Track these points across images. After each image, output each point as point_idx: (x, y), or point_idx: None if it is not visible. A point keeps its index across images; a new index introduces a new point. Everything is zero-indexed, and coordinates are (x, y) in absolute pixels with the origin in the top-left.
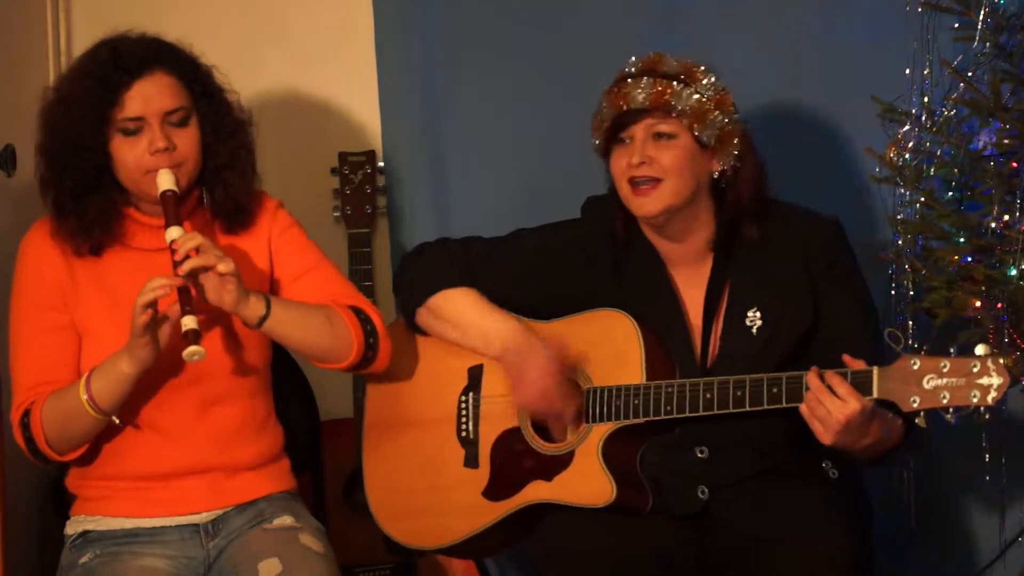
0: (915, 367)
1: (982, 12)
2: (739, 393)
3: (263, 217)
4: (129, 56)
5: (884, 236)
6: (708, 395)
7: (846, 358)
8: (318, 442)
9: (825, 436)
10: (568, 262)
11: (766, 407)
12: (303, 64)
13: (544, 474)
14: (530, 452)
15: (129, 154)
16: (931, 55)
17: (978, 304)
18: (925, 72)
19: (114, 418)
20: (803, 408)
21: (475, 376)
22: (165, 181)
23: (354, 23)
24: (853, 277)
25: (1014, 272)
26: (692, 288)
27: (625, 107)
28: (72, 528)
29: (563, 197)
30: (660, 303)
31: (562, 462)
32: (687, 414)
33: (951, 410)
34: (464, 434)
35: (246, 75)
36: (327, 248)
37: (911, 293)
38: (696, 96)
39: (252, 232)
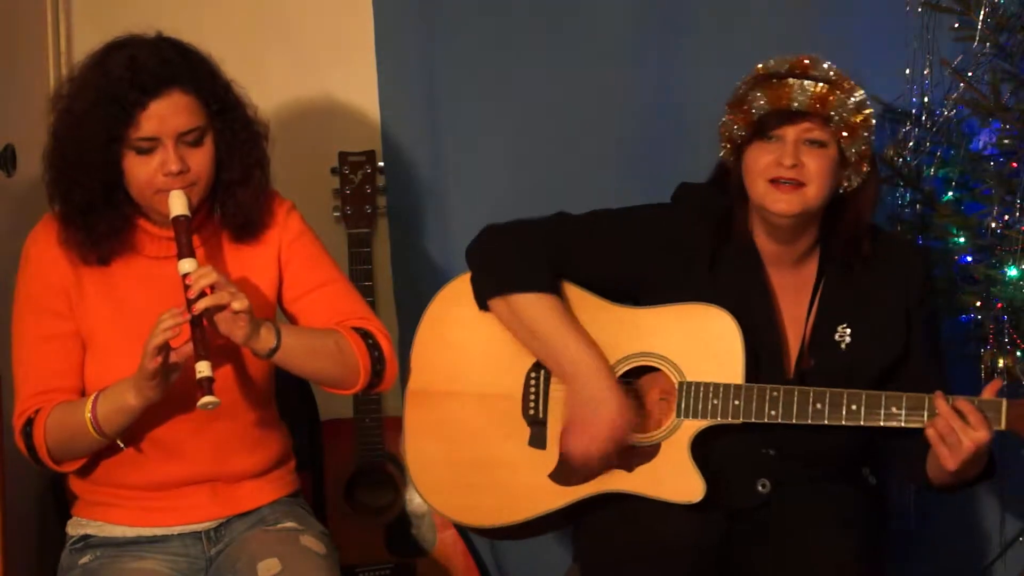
0: None
1: (982, 12)
2: (853, 407)
3: (274, 225)
4: (146, 73)
5: None
6: (819, 405)
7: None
8: (318, 442)
9: (950, 462)
10: (663, 247)
11: (882, 425)
12: (303, 64)
13: (623, 464)
14: None
15: (141, 172)
16: (931, 55)
17: (978, 304)
18: (925, 72)
19: (119, 442)
20: (931, 432)
21: None
22: (177, 206)
23: (354, 23)
24: (938, 315)
25: (1014, 272)
26: (788, 293)
27: (786, 105)
28: (73, 529)
29: (563, 197)
30: (756, 306)
31: (646, 454)
32: (792, 421)
33: None
34: (532, 413)
35: (246, 75)
36: (327, 248)
37: None
38: (852, 110)
39: (261, 241)
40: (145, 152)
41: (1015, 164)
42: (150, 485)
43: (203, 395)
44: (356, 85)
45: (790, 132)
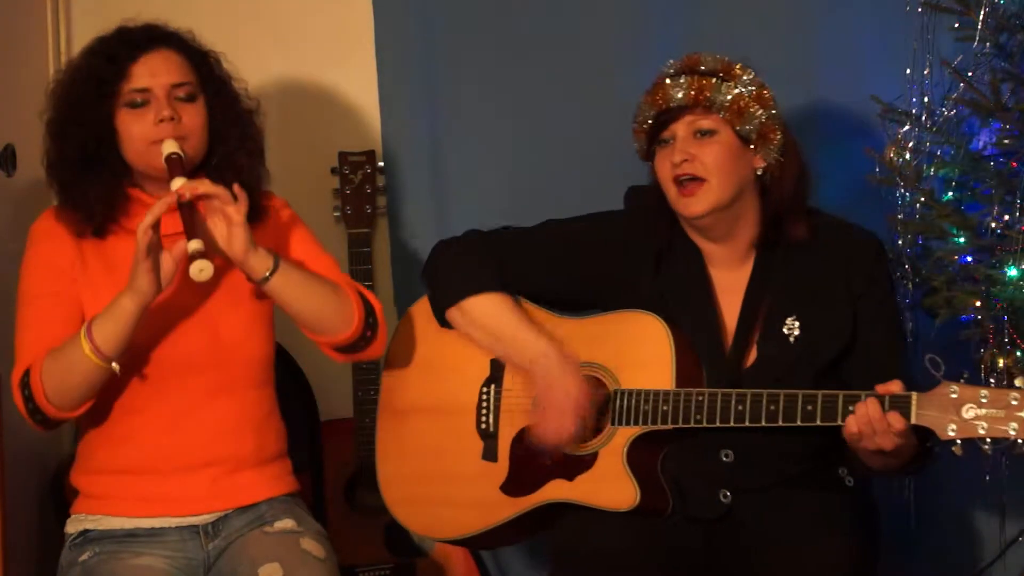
0: (954, 396)
1: (982, 12)
2: (772, 407)
3: (269, 213)
4: (137, 32)
5: (884, 236)
6: (740, 407)
7: (879, 386)
8: (318, 442)
9: (871, 459)
10: (608, 253)
11: (800, 424)
12: (303, 64)
13: (565, 473)
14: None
15: (135, 126)
16: (931, 55)
17: (978, 304)
18: (925, 72)
19: (115, 366)
20: (848, 432)
21: (498, 368)
22: (170, 146)
23: (354, 23)
24: (890, 301)
25: (1014, 272)
26: (731, 291)
27: (664, 105)
28: (72, 527)
29: (563, 197)
30: (697, 304)
31: (585, 463)
32: (717, 424)
33: (988, 441)
34: (484, 426)
35: (246, 75)
36: (327, 248)
37: (911, 293)
38: (736, 91)
39: (256, 229)
40: (138, 106)
41: (1015, 164)
42: (150, 468)
43: (194, 261)
44: (356, 85)
45: (678, 128)
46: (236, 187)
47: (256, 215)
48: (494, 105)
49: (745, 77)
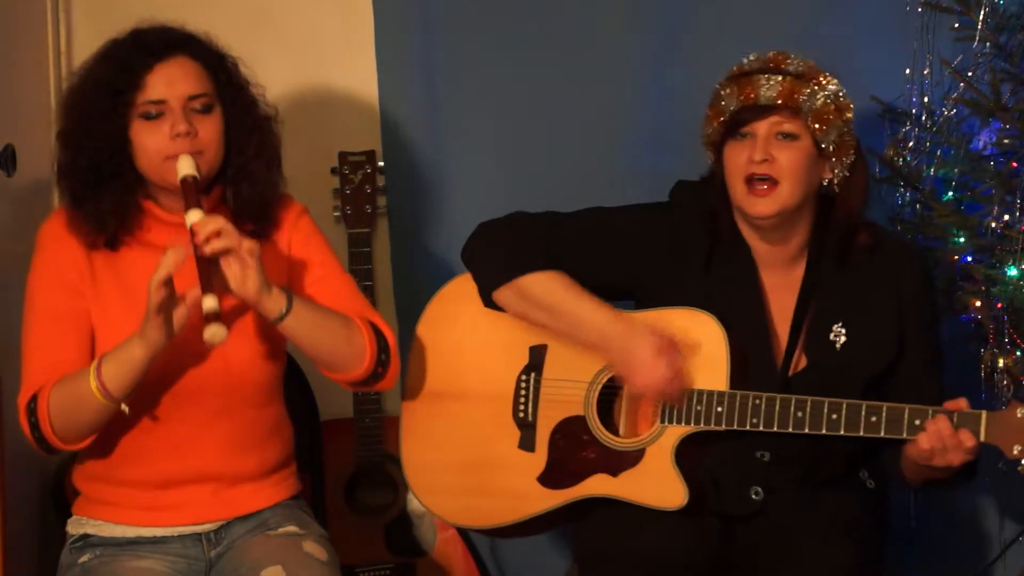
0: (1022, 415)
1: (982, 12)
2: (834, 416)
3: (285, 224)
4: (153, 40)
5: None
6: (800, 414)
7: (948, 403)
8: (318, 442)
9: (920, 472)
10: (658, 246)
11: (862, 435)
12: (303, 64)
13: (609, 468)
14: (595, 444)
15: (150, 139)
16: (931, 55)
17: (978, 304)
18: (925, 72)
19: (124, 407)
20: (919, 449)
21: (537, 356)
22: (185, 166)
23: (354, 23)
24: (936, 317)
25: (1014, 272)
26: (781, 293)
27: (753, 101)
28: (74, 528)
29: (563, 197)
30: (747, 307)
31: (630, 459)
32: (774, 429)
33: None
34: (522, 415)
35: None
36: None
37: None
38: (823, 99)
39: (272, 239)
40: (153, 118)
41: (1015, 164)
42: (153, 483)
43: (208, 326)
44: (356, 85)
45: (760, 127)
46: (247, 243)
47: (271, 228)
48: (494, 105)
49: (831, 86)
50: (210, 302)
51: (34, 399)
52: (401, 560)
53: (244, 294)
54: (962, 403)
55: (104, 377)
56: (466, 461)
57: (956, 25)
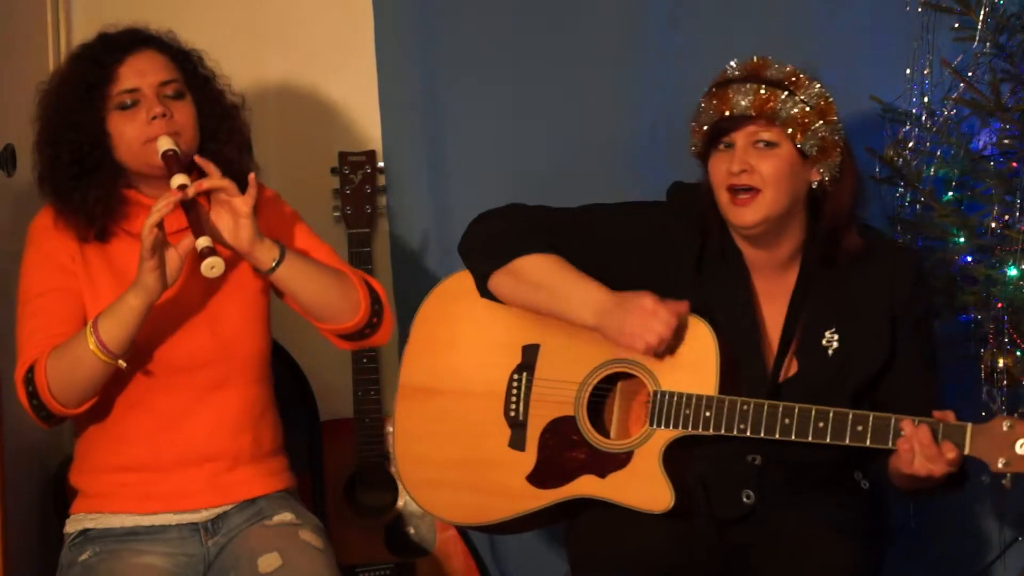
0: (1007, 428)
1: (982, 12)
2: (820, 424)
3: (262, 207)
4: (119, 36)
5: None
6: (787, 420)
7: (936, 413)
8: (318, 442)
9: (904, 481)
10: (651, 245)
11: (848, 444)
12: (303, 64)
13: (597, 469)
14: (584, 445)
15: (128, 127)
16: (931, 55)
17: (978, 304)
18: (925, 72)
19: (120, 362)
20: (900, 459)
21: (530, 355)
22: (164, 143)
23: (354, 23)
24: (929, 321)
25: (1014, 272)
26: (773, 299)
27: (728, 112)
28: (72, 526)
29: (563, 197)
30: (737, 310)
31: (618, 461)
32: (761, 435)
33: None
34: (513, 414)
35: (246, 75)
36: None
37: None
38: (800, 105)
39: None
40: (129, 107)
41: (1015, 164)
42: (149, 465)
43: (204, 260)
44: (356, 85)
45: (738, 137)
46: (251, 176)
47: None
48: (494, 105)
49: (811, 90)
50: (204, 240)
51: (31, 369)
52: (401, 560)
53: (237, 244)
54: (949, 415)
55: (101, 332)
56: (457, 458)
57: (956, 25)
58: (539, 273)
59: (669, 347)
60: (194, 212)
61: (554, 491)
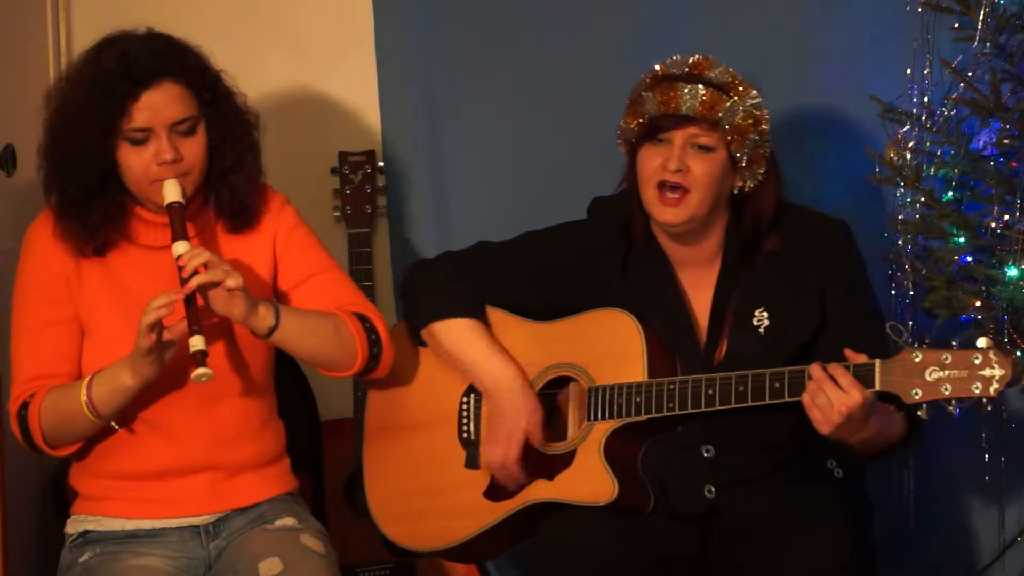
0: (917, 360)
1: (982, 12)
2: (741, 388)
3: (268, 216)
4: (137, 65)
5: (885, 236)
6: (710, 391)
7: (848, 352)
8: (318, 442)
9: (824, 426)
10: (576, 262)
11: (768, 402)
12: (303, 64)
13: (546, 473)
14: (532, 452)
15: (136, 162)
16: (931, 55)
17: (978, 304)
18: (925, 72)
19: (113, 424)
20: (804, 397)
21: None
22: (171, 192)
23: (354, 23)
24: (860, 281)
25: (1014, 272)
26: (699, 289)
27: (672, 110)
28: (72, 527)
29: (563, 197)
30: (666, 302)
31: (564, 461)
32: (689, 410)
33: (953, 402)
34: (465, 435)
35: (246, 75)
36: (326, 248)
37: (911, 293)
38: (741, 113)
39: (256, 231)
40: (139, 143)
41: (1015, 164)
42: (148, 473)
43: (196, 367)
44: (356, 85)
45: (677, 136)
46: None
47: (254, 220)
48: (494, 105)
49: (749, 99)
50: (197, 343)
51: (24, 407)
52: (401, 560)
53: (231, 316)
54: (859, 357)
55: (94, 397)
56: (420, 487)
57: (956, 25)
58: (448, 342)
59: (599, 346)
60: (191, 305)
61: (509, 501)
